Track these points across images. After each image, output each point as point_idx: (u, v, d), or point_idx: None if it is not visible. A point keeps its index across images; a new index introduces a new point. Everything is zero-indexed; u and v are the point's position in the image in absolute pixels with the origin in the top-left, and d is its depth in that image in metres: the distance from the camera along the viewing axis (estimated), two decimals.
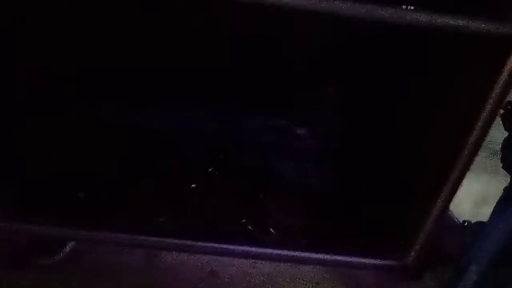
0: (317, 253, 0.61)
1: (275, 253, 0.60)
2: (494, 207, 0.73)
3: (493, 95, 0.49)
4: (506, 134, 0.78)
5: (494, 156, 0.82)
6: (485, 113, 0.50)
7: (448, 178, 0.56)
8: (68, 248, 1.02)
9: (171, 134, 0.81)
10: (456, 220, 0.94)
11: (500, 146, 0.79)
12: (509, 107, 0.77)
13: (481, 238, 0.74)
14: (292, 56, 0.76)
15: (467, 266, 0.74)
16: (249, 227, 0.66)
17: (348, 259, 0.61)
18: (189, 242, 0.61)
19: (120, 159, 0.75)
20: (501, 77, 0.48)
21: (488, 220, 0.72)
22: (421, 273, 0.90)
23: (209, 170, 0.77)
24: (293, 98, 0.81)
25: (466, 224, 0.89)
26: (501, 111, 0.77)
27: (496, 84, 0.48)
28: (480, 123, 0.51)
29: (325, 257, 0.61)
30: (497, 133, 0.72)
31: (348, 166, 0.77)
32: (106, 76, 0.75)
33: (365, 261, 0.62)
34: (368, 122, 0.75)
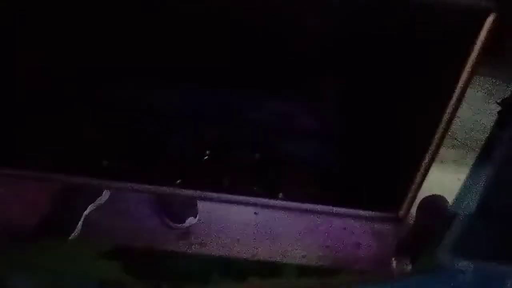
0: (321, 206, 0.72)
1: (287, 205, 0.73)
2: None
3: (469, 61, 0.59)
4: None
5: None
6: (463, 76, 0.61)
7: (432, 139, 0.66)
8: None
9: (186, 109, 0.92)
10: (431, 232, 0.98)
11: None
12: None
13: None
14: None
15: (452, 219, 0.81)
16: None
17: (348, 211, 0.71)
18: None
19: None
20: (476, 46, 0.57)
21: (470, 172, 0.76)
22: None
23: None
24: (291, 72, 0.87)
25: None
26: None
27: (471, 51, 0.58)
28: (459, 85, 0.62)
29: (327, 209, 0.71)
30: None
31: (346, 131, 0.84)
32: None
33: (363, 213, 0.72)
34: (359, 89, 0.81)
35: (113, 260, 0.78)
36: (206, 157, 0.83)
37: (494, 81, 1.84)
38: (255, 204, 0.74)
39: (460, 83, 0.62)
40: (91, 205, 1.20)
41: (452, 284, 0.79)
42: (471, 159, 1.39)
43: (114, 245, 0.80)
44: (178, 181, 0.77)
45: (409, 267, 0.80)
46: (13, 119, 0.76)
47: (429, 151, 0.69)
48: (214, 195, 0.78)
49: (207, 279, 0.79)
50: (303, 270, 0.81)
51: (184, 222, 1.19)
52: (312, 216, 1.23)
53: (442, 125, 0.66)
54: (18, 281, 0.80)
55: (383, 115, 0.77)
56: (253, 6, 0.70)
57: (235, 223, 1.22)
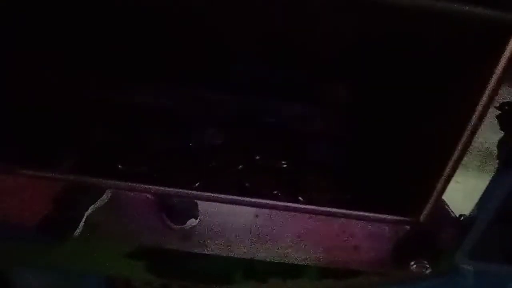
0: (344, 209, 0.71)
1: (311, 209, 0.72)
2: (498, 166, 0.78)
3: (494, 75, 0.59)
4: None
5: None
6: (488, 89, 0.61)
7: (455, 148, 0.66)
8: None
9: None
10: (453, 214, 0.97)
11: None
12: (506, 107, 0.83)
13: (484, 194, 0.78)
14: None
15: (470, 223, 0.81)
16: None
17: (371, 215, 0.72)
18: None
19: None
20: (501, 60, 0.57)
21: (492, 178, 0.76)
22: None
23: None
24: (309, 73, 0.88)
25: (462, 217, 0.91)
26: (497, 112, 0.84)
27: (497, 65, 0.58)
28: (485, 96, 0.61)
29: (352, 213, 0.72)
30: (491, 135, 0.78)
31: (372, 138, 0.87)
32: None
33: (386, 217, 0.73)
34: (386, 97, 0.84)
35: (135, 260, 0.79)
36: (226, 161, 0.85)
37: None
38: (276, 207, 0.75)
39: (487, 93, 0.62)
40: (92, 206, 1.18)
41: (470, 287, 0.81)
42: (469, 162, 1.41)
43: (136, 244, 0.80)
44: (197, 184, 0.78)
45: (428, 270, 0.82)
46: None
47: (453, 158, 0.68)
48: (235, 198, 0.77)
49: (229, 279, 0.80)
50: (324, 272, 0.81)
51: (185, 223, 1.17)
52: (312, 219, 1.25)
53: (467, 133, 0.65)
54: (24, 279, 0.80)
55: (409, 121, 0.80)
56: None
57: (235, 225, 1.19)
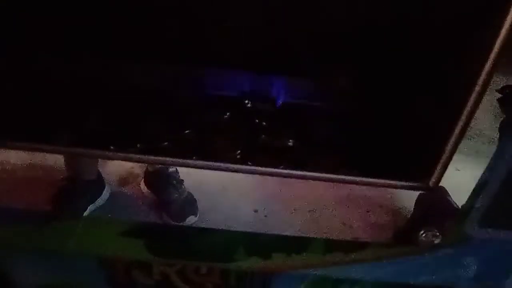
0: (353, 176, 0.71)
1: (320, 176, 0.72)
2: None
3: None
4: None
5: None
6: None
7: (460, 114, 0.66)
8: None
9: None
10: (455, 205, 1.01)
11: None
12: (507, 91, 0.83)
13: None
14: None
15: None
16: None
17: (381, 181, 0.72)
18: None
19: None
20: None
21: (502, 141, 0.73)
22: None
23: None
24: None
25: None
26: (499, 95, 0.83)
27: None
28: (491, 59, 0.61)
29: (362, 180, 0.72)
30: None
31: (375, 103, 0.85)
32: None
33: (395, 183, 0.73)
34: (394, 65, 0.80)
35: (132, 238, 0.75)
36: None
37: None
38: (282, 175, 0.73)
39: (491, 58, 0.61)
40: (91, 205, 1.20)
41: (480, 255, 0.78)
42: (468, 148, 1.41)
43: (133, 223, 0.77)
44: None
45: (438, 239, 0.79)
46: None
47: (460, 123, 0.68)
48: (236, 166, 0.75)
49: (231, 256, 0.77)
50: (329, 245, 0.78)
51: (184, 220, 1.19)
52: (313, 215, 1.25)
53: (473, 97, 0.65)
54: (21, 271, 0.77)
55: (416, 87, 0.78)
56: None
57: (235, 220, 1.23)
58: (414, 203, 1.09)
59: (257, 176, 0.79)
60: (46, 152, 0.84)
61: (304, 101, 0.91)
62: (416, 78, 0.77)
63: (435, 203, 0.95)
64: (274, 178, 1.08)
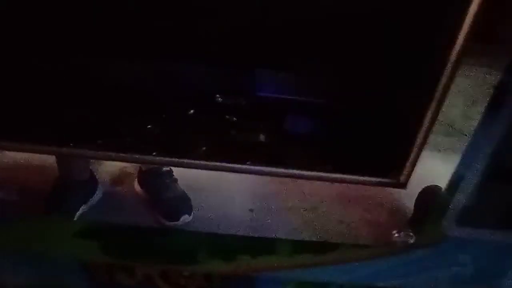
0: (328, 173, 0.69)
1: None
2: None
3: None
4: None
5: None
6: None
7: (429, 105, 0.64)
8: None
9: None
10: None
11: None
12: None
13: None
14: None
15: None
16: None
17: (351, 177, 0.69)
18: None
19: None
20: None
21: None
22: None
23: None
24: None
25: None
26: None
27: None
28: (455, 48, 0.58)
29: (331, 175, 0.69)
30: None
31: (345, 100, 0.82)
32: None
33: (368, 179, 0.70)
34: (359, 58, 0.80)
35: (91, 239, 0.72)
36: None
37: (487, 70, 1.85)
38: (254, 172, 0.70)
39: (455, 49, 0.59)
40: (83, 205, 1.18)
41: (457, 257, 0.74)
42: (447, 132, 1.39)
43: (93, 223, 0.73)
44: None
45: (412, 240, 0.75)
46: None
47: (427, 116, 0.66)
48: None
49: (194, 258, 0.73)
50: (297, 247, 0.75)
51: (178, 220, 1.16)
52: (309, 213, 1.23)
53: (440, 89, 0.63)
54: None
55: (383, 80, 0.75)
56: None
57: (231, 219, 1.20)
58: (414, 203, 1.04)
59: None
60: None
61: (276, 95, 0.88)
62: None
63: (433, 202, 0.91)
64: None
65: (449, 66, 0.61)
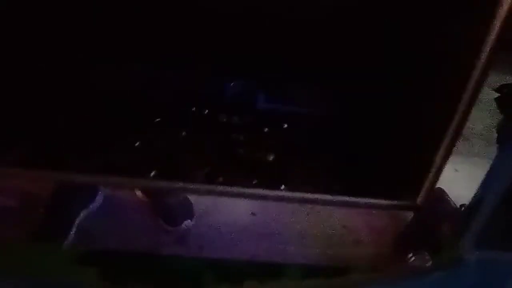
0: (342, 196, 0.66)
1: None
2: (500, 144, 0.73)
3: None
4: None
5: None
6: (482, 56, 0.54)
7: (447, 129, 0.61)
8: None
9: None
10: (454, 205, 0.92)
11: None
12: (505, 90, 0.78)
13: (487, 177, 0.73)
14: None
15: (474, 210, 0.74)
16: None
17: (368, 201, 0.66)
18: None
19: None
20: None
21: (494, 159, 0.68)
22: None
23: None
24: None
25: (463, 207, 0.84)
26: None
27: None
28: (479, 66, 0.55)
29: (349, 200, 0.66)
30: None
31: (364, 122, 0.80)
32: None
33: (383, 202, 0.67)
34: (378, 81, 0.77)
35: (91, 265, 0.68)
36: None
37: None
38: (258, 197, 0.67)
39: (474, 77, 0.57)
40: (84, 210, 1.15)
41: (475, 280, 0.71)
42: (467, 149, 1.37)
43: (94, 249, 0.70)
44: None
45: (429, 263, 0.72)
46: None
47: (445, 141, 0.63)
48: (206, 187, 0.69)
49: (201, 283, 0.70)
50: (307, 271, 0.71)
51: (180, 225, 1.15)
52: (310, 215, 1.19)
53: (458, 116, 0.61)
54: None
55: (402, 104, 0.73)
56: None
57: (233, 224, 1.18)
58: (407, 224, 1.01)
59: None
60: None
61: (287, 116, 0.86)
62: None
63: (433, 207, 0.88)
64: None
65: (472, 81, 0.57)
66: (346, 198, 0.68)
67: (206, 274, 0.71)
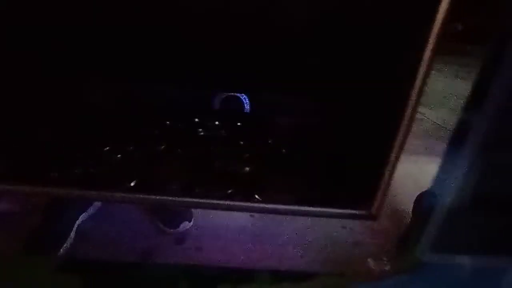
0: (298, 206, 0.67)
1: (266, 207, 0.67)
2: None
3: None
4: None
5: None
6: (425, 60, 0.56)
7: (396, 134, 0.62)
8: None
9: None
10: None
11: None
12: None
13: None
14: None
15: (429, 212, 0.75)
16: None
17: (322, 210, 0.67)
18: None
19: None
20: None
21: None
22: None
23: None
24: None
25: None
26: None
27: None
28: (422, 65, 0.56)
29: (304, 209, 0.67)
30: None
31: (310, 128, 0.84)
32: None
33: (338, 211, 0.68)
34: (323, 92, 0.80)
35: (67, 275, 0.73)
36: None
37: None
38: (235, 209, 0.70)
39: (421, 70, 0.58)
40: (82, 214, 1.16)
41: (433, 283, 0.74)
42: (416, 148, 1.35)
43: (70, 259, 0.75)
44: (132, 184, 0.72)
45: (387, 267, 0.75)
46: None
47: (395, 147, 0.65)
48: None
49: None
50: (276, 276, 0.76)
51: (178, 227, 1.15)
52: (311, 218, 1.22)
53: (405, 121, 0.62)
54: None
55: (349, 111, 0.76)
56: None
57: (231, 225, 1.19)
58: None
59: None
60: None
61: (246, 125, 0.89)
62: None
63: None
64: None
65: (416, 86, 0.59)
66: (298, 208, 0.69)
67: (178, 281, 0.75)
